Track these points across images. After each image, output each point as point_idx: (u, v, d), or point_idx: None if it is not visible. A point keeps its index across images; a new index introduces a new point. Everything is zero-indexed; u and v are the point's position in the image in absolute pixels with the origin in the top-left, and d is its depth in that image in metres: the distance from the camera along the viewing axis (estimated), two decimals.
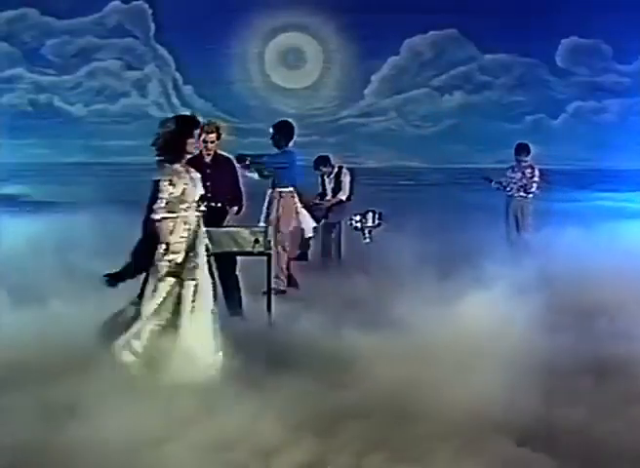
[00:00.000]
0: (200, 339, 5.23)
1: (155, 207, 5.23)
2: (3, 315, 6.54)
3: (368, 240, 10.26)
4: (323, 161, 10.63)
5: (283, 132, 8.73)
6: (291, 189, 8.70)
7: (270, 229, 8.00)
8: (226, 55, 16.77)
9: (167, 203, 5.24)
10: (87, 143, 16.37)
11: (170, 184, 5.25)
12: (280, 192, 8.65)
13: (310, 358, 5.47)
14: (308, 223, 8.75)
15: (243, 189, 7.65)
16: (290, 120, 9.08)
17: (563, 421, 4.60)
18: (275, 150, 8.71)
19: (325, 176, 10.57)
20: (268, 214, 8.62)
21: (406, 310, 5.94)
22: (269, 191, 8.69)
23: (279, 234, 8.57)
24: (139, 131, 16.64)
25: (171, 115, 5.96)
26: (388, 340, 5.76)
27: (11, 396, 4.83)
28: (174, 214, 5.28)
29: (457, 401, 4.70)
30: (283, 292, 8.33)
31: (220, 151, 7.47)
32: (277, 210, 8.63)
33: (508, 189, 10.90)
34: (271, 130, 8.77)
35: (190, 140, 5.38)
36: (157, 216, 5.23)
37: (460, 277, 7.55)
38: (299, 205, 8.76)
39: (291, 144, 8.76)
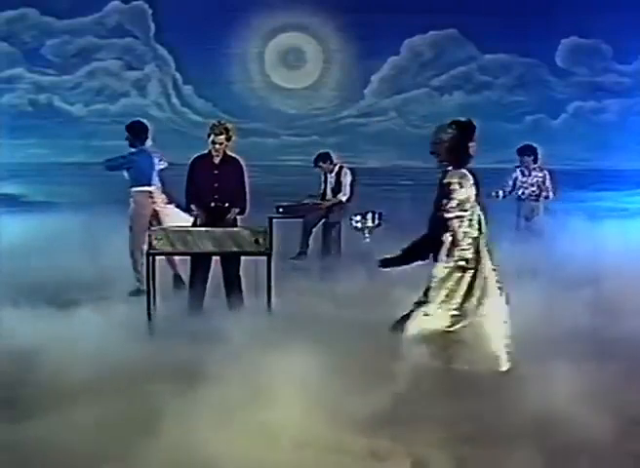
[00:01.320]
0: (493, 328, 5.58)
1: (448, 206, 5.72)
2: (3, 314, 6.56)
3: (368, 240, 10.23)
4: (323, 157, 10.58)
5: (132, 132, 8.82)
6: (147, 189, 8.69)
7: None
8: (226, 55, 16.74)
9: (458, 204, 5.73)
10: (87, 143, 16.30)
11: (460, 187, 5.77)
12: (136, 192, 8.69)
13: None
14: (179, 222, 8.02)
15: (248, 190, 7.64)
16: (143, 120, 9.11)
17: None
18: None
19: (327, 174, 10.52)
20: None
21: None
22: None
23: (131, 234, 8.58)
24: None
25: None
26: None
27: None
28: (465, 213, 5.72)
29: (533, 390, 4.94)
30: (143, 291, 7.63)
31: (229, 152, 7.49)
32: (131, 209, 8.69)
33: (519, 193, 10.71)
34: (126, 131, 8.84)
35: (471, 144, 5.85)
36: (451, 215, 5.70)
37: None
38: (160, 205, 8.70)
39: (149, 144, 8.84)
